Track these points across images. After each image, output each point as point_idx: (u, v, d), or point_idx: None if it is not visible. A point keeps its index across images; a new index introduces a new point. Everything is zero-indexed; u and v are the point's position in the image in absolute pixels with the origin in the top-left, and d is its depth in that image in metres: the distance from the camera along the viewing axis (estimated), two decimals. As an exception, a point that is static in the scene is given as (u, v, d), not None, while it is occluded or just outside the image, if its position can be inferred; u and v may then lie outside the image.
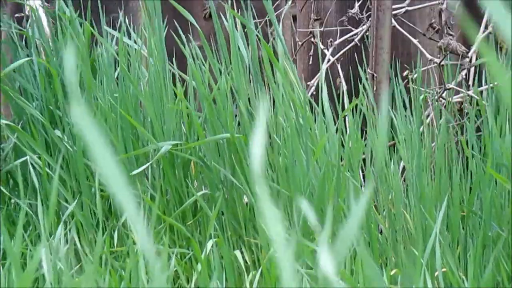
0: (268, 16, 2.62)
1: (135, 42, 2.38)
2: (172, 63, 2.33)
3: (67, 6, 2.43)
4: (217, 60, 2.21)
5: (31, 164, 2.26)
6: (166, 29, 2.38)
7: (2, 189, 2.32)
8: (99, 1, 2.47)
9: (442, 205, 1.65)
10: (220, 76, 2.15)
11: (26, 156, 2.29)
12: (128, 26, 2.46)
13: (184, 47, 2.21)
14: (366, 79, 2.37)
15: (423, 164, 1.93)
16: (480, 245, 1.69)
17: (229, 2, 2.19)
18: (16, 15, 2.82)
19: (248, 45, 2.19)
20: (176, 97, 2.26)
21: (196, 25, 2.21)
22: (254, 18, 2.24)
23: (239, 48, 2.15)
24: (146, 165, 2.17)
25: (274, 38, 2.78)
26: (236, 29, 2.19)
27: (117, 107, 2.24)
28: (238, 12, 2.26)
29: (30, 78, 2.41)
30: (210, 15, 2.21)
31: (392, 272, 1.80)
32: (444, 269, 1.64)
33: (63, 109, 2.33)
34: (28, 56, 2.43)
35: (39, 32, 2.46)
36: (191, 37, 2.24)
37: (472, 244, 1.76)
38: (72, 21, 2.35)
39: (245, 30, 2.40)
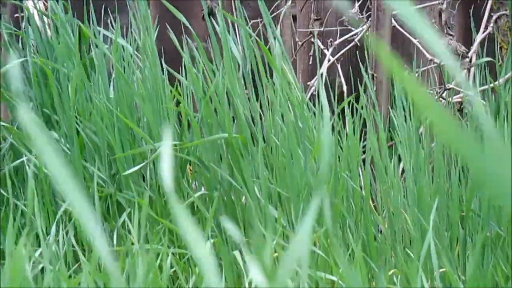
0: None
1: (129, 43, 2.37)
2: (167, 64, 2.32)
3: (57, 6, 2.42)
4: (214, 61, 2.20)
5: (28, 165, 2.25)
6: (163, 29, 2.37)
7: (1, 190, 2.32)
8: (92, 1, 2.46)
9: (433, 206, 1.64)
10: (214, 77, 2.14)
11: (23, 156, 2.29)
12: (128, 26, 2.46)
13: (182, 47, 2.21)
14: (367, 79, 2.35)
15: (420, 164, 1.92)
16: (479, 245, 1.68)
17: (224, 2, 2.18)
18: (16, 15, 2.82)
19: (243, 46, 2.18)
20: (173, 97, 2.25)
21: (189, 27, 2.19)
22: (253, 18, 2.24)
23: (231, 50, 2.14)
24: (141, 164, 2.16)
25: (275, 38, 2.78)
26: (232, 29, 2.18)
27: (114, 107, 2.24)
28: (235, 11, 2.25)
29: (24, 79, 2.40)
30: (208, 15, 2.20)
31: (391, 272, 1.79)
32: (443, 269, 1.63)
33: (59, 110, 2.32)
34: (23, 57, 2.42)
35: (34, 33, 2.45)
36: (187, 38, 2.23)
37: (471, 244, 1.75)
38: (62, 22, 2.35)
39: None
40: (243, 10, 2.23)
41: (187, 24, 2.19)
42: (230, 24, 2.23)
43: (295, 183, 1.97)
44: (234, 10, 2.23)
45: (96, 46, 2.34)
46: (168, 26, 2.34)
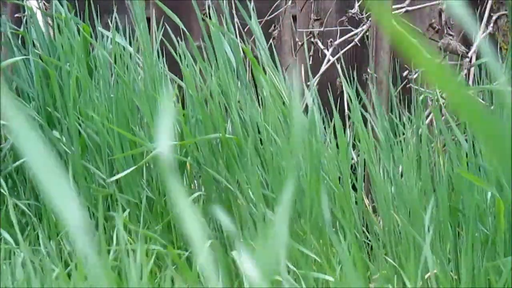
0: (268, 16, 2.62)
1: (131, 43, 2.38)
2: (169, 65, 2.33)
3: (61, 6, 2.43)
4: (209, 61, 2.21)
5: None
6: (165, 30, 2.38)
7: (1, 190, 2.33)
8: (95, 2, 2.47)
9: (429, 206, 1.64)
10: (211, 78, 2.15)
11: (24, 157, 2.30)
12: (129, 26, 2.47)
13: (178, 47, 2.21)
14: (366, 79, 2.36)
15: (417, 165, 1.92)
16: (470, 245, 1.68)
17: (225, 2, 2.19)
18: (16, 15, 2.83)
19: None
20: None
21: (185, 29, 2.20)
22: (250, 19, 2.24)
23: (226, 54, 2.16)
24: (138, 165, 2.17)
25: (273, 38, 2.79)
26: (230, 30, 2.19)
27: (114, 107, 2.25)
28: (235, 12, 2.26)
29: (26, 79, 2.41)
30: (207, 16, 2.21)
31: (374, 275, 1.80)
32: (435, 271, 1.63)
33: (61, 110, 2.33)
34: (25, 56, 2.43)
35: (36, 32, 2.46)
36: (185, 39, 2.24)
37: (462, 244, 1.75)
38: (67, 22, 2.36)
39: (245, 29, 2.40)
40: (245, 10, 2.24)
41: (182, 26, 2.20)
42: (233, 23, 2.24)
43: (282, 185, 1.98)
44: (229, 11, 2.23)
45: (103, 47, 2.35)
46: (168, 27, 2.36)
